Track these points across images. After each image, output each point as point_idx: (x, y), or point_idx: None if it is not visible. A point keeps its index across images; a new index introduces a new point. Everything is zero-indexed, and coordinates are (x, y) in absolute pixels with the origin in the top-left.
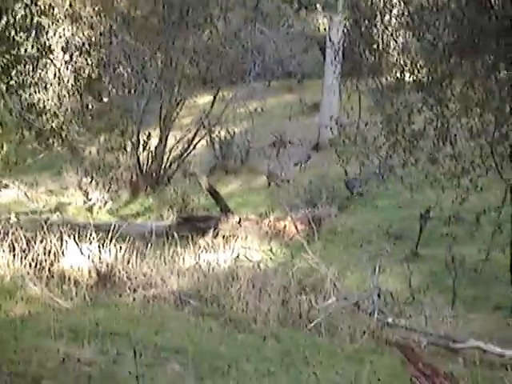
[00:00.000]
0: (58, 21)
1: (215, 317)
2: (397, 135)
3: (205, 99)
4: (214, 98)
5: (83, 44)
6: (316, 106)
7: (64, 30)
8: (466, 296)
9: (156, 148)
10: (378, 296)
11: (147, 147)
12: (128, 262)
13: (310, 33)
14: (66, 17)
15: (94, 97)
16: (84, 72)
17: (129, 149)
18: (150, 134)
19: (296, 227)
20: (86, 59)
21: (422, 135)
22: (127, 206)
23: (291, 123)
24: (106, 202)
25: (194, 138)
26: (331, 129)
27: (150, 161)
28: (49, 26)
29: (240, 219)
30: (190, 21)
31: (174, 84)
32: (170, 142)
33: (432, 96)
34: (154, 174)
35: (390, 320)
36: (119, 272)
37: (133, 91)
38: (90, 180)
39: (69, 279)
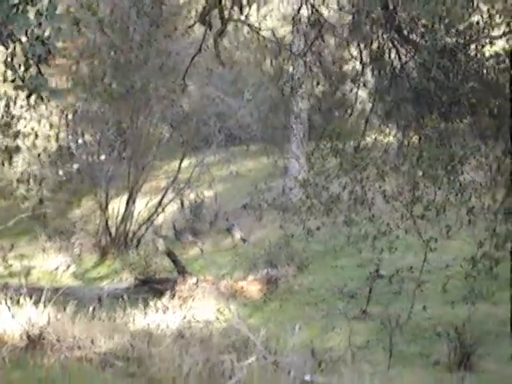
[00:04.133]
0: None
1: (137, 377)
2: (312, 199)
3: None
4: (180, 162)
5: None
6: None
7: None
8: (406, 352)
9: (124, 212)
10: (311, 354)
11: (115, 211)
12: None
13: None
14: None
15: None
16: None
17: (97, 213)
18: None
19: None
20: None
21: (338, 199)
22: (95, 269)
23: (263, 186)
24: (68, 266)
25: (161, 202)
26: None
27: (117, 224)
28: None
29: (197, 280)
30: (153, 89)
31: (138, 149)
32: (141, 205)
33: (347, 162)
34: (121, 238)
35: (307, 378)
36: (49, 335)
37: (101, 157)
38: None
39: None
